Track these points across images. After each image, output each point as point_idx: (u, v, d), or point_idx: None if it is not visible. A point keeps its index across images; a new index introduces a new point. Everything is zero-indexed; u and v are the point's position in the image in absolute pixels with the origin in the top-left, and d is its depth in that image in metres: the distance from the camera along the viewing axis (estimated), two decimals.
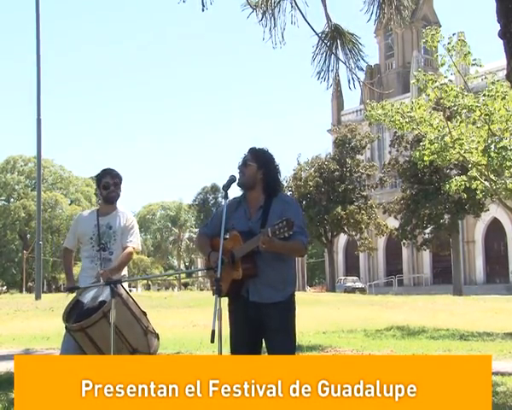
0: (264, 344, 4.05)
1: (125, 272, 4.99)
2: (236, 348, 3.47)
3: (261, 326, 3.92)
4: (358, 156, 47.38)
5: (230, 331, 4.01)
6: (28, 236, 64.81)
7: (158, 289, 66.16)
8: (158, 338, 4.73)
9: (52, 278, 66.42)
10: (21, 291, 54.94)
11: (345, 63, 7.34)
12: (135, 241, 4.99)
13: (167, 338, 11.12)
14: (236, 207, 4.07)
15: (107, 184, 5.01)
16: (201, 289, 56.45)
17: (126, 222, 5.01)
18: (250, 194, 4.05)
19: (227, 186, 3.99)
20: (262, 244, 3.65)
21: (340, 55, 7.39)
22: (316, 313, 19.19)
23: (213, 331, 3.38)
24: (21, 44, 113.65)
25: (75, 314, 4.49)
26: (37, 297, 25.37)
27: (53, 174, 68.50)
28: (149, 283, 70.45)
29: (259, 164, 4.01)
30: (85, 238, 4.99)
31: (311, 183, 45.80)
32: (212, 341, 3.37)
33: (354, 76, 7.39)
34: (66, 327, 4.51)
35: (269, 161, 4.07)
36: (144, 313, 4.67)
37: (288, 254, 3.98)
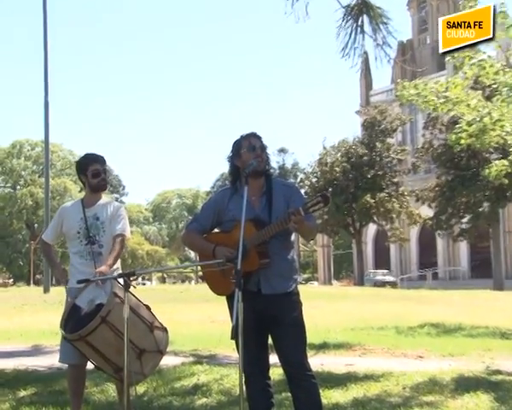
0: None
1: (118, 264, 4.87)
2: (245, 347, 3.46)
3: (271, 321, 3.95)
4: (389, 140, 47.16)
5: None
6: (36, 225, 65.57)
7: (173, 282, 66.70)
8: (166, 332, 4.70)
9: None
10: (29, 284, 55.67)
11: (372, 37, 7.24)
12: (124, 228, 4.89)
13: (183, 335, 11.18)
14: (230, 197, 4.10)
15: (98, 171, 4.91)
16: None
17: (113, 210, 4.93)
18: (256, 181, 4.04)
19: (248, 174, 3.92)
20: (294, 224, 3.71)
21: (368, 30, 7.30)
22: (343, 308, 19.20)
23: (234, 327, 3.38)
24: (28, 25, 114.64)
25: (73, 321, 4.45)
26: (46, 290, 25.68)
27: (62, 159, 69.14)
28: (164, 275, 70.99)
29: (266, 149, 4.12)
30: (72, 233, 4.90)
31: (337, 168, 45.69)
32: (233, 337, 3.39)
33: (384, 53, 7.31)
34: (63, 337, 4.51)
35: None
36: (148, 307, 4.62)
37: (308, 234, 4.10)
